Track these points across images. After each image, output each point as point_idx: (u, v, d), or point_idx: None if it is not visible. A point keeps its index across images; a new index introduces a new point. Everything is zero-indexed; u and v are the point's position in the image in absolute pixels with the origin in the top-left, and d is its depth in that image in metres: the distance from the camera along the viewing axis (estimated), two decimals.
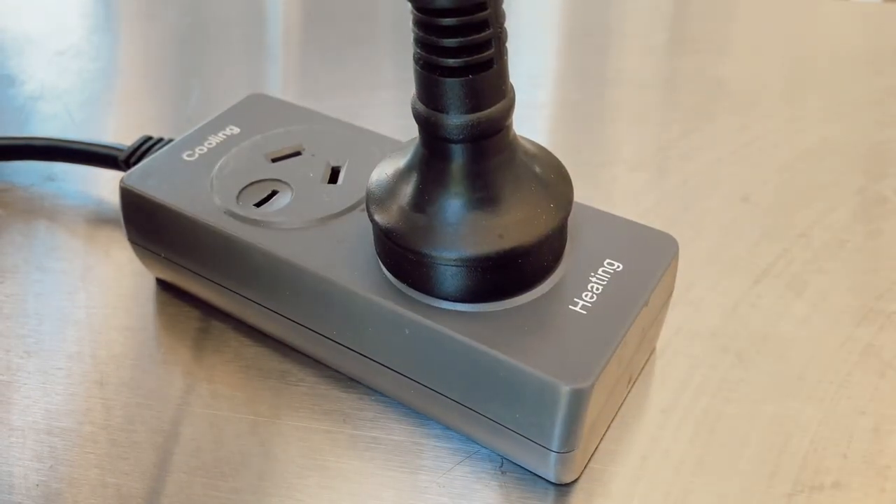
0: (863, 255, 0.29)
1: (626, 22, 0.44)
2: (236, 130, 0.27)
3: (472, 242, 0.20)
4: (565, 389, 0.19)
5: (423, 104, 0.20)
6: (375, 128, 0.28)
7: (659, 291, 0.22)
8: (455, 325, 0.21)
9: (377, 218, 0.21)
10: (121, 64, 0.41)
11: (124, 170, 0.29)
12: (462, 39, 0.18)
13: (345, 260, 0.22)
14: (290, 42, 0.44)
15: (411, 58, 0.19)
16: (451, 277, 0.21)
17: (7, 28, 0.43)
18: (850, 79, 0.38)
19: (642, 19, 0.44)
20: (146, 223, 0.26)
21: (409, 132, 0.23)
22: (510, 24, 0.19)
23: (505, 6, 0.19)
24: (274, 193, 0.25)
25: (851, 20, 0.43)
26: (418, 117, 0.20)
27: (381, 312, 0.21)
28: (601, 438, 0.23)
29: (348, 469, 0.22)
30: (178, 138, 0.27)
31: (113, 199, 0.31)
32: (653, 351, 0.25)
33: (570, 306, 0.21)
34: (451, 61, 0.18)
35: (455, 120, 0.19)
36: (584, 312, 0.21)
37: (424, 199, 0.21)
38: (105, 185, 0.32)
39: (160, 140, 0.29)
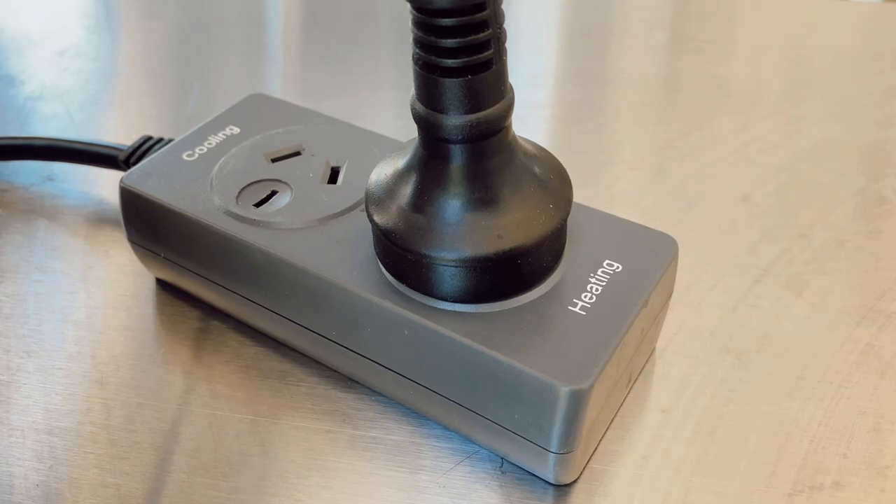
0: (863, 255, 0.29)
1: (626, 22, 0.44)
2: (236, 130, 0.27)
3: (471, 243, 0.20)
4: (564, 390, 0.19)
5: (423, 104, 0.20)
6: (375, 128, 0.28)
7: (658, 292, 0.22)
8: (454, 326, 0.21)
9: (376, 218, 0.21)
10: (121, 64, 0.41)
11: (124, 170, 0.29)
12: (461, 40, 0.18)
13: (344, 260, 0.22)
14: (290, 42, 0.44)
15: (410, 58, 0.19)
16: (450, 278, 0.21)
17: (7, 28, 0.43)
18: (850, 79, 0.38)
19: (642, 19, 0.44)
20: (146, 223, 0.26)
21: (408, 132, 0.23)
22: (510, 24, 0.19)
23: (505, 6, 0.19)
24: (273, 193, 0.25)
25: (851, 20, 0.43)
26: (417, 118, 0.20)
27: (381, 313, 0.21)
28: (601, 439, 0.23)
29: (348, 469, 0.22)
30: (178, 138, 0.27)
31: (113, 199, 0.31)
32: (653, 351, 0.25)
33: (570, 307, 0.21)
34: (450, 62, 0.18)
35: (454, 120, 0.19)
36: (584, 313, 0.21)
37: (423, 199, 0.21)
38: (105, 185, 0.32)
39: (160, 140, 0.29)
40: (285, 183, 0.25)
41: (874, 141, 0.34)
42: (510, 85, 0.20)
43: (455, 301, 0.21)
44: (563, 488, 0.22)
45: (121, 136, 0.34)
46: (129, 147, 0.29)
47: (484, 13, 0.18)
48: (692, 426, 0.23)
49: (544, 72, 0.40)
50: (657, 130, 0.35)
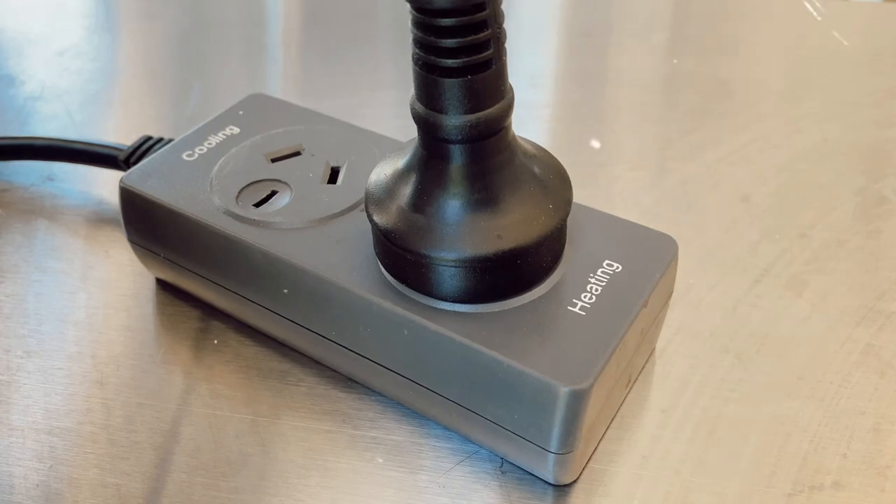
0: (863, 255, 0.29)
1: (626, 22, 0.44)
2: (236, 130, 0.27)
3: (471, 243, 0.20)
4: (564, 390, 0.19)
5: (422, 105, 0.20)
6: (375, 128, 0.28)
7: (658, 292, 0.22)
8: (454, 326, 0.21)
9: (376, 218, 0.21)
10: (121, 64, 0.41)
11: (124, 170, 0.29)
12: (461, 40, 0.18)
13: (344, 260, 0.22)
14: (290, 42, 0.44)
15: (410, 58, 0.19)
16: (449, 278, 0.21)
17: (7, 28, 0.43)
18: (850, 79, 0.38)
19: (642, 19, 0.44)
20: (146, 223, 0.26)
21: (408, 132, 0.23)
22: (510, 24, 0.19)
23: (505, 6, 0.19)
24: (273, 193, 0.25)
25: (851, 20, 0.43)
26: (417, 118, 0.20)
27: (380, 313, 0.21)
28: (601, 439, 0.23)
29: (348, 469, 0.22)
30: (178, 138, 0.27)
31: (113, 199, 0.31)
32: (653, 351, 0.25)
33: (569, 307, 0.21)
34: (449, 62, 0.18)
35: (454, 120, 0.19)
36: (583, 313, 0.21)
37: (423, 199, 0.21)
38: (105, 185, 0.32)
39: (160, 140, 0.29)
40: (285, 183, 0.25)
41: (874, 141, 0.34)
42: (510, 85, 0.20)
43: (455, 301, 0.21)
44: (562, 488, 0.22)
45: (121, 136, 0.34)
46: (129, 147, 0.29)
47: (483, 13, 0.18)
48: (692, 426, 0.23)
49: (544, 72, 0.40)
50: (657, 130, 0.35)
